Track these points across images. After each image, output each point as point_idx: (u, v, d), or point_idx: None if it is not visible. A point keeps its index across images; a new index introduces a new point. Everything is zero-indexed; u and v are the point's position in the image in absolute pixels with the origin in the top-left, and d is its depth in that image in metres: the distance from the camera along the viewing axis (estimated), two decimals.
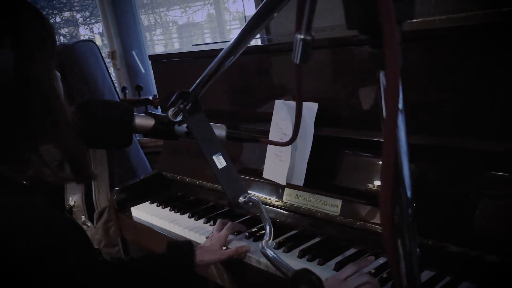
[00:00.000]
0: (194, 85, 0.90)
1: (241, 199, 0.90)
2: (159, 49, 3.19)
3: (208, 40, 3.08)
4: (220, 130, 1.08)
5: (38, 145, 0.80)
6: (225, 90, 1.72)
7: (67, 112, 0.83)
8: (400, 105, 0.46)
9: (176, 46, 3.21)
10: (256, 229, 1.43)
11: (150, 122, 1.03)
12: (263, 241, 0.87)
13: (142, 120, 1.03)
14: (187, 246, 1.27)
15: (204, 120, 0.95)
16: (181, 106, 0.93)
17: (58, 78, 0.87)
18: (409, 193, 0.49)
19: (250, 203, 0.89)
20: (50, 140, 0.81)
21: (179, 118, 0.99)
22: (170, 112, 0.98)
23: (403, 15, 0.43)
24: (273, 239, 1.35)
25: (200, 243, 1.36)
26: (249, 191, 1.48)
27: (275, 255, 0.81)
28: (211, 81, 0.85)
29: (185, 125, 0.98)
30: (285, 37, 1.88)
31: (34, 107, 0.79)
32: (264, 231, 1.37)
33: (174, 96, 0.94)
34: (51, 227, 0.74)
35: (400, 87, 0.45)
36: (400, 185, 0.48)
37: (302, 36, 0.53)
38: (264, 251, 0.83)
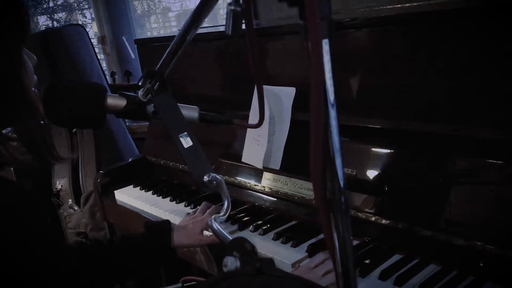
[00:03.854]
0: (159, 63, 0.91)
1: (205, 178, 0.91)
2: None
3: None
4: (193, 112, 1.08)
5: None
6: (210, 76, 1.72)
7: (32, 98, 0.84)
8: (331, 98, 0.46)
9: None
10: (234, 212, 1.45)
11: (122, 102, 1.04)
12: (215, 215, 0.89)
13: (114, 100, 1.04)
14: (165, 226, 1.28)
15: (171, 100, 0.95)
16: (149, 85, 0.94)
17: (28, 63, 0.88)
18: (341, 183, 0.50)
19: (214, 182, 0.91)
20: (10, 124, 0.82)
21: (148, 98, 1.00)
22: (140, 92, 0.99)
23: None
24: (250, 223, 1.38)
25: None
26: (232, 177, 1.51)
27: (219, 228, 0.83)
28: (175, 58, 0.85)
29: (152, 104, 0.99)
30: (271, 21, 1.88)
31: None
32: (245, 217, 1.41)
33: (141, 76, 0.94)
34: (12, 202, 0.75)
35: (331, 77, 0.45)
36: (333, 175, 0.49)
37: (232, 7, 0.54)
38: (210, 223, 0.85)
